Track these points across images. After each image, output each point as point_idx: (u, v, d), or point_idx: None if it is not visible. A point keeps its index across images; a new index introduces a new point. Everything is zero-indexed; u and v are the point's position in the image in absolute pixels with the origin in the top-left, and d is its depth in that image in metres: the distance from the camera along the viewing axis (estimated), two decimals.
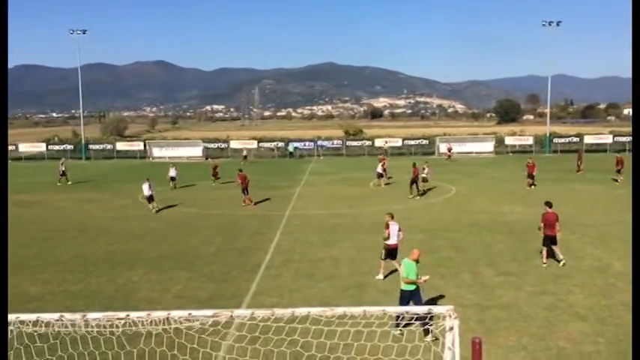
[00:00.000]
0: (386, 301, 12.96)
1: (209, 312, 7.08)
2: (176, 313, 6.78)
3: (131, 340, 7.86)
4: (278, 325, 6.79)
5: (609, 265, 17.16)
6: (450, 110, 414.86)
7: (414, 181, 31.83)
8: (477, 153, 63.79)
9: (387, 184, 36.83)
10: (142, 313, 6.46)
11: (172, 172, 38.10)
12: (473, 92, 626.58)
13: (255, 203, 29.76)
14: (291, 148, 66.74)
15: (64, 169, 40.95)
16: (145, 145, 70.01)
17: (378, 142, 68.84)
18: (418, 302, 11.65)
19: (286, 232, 22.86)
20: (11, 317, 6.35)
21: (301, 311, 6.33)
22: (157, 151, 67.32)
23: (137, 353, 8.10)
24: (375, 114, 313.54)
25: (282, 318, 6.44)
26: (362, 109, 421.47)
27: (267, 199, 31.34)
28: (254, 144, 69.78)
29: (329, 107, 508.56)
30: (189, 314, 7.87)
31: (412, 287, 11.87)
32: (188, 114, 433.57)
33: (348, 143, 70.82)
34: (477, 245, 20.04)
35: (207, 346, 7.99)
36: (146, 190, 28.17)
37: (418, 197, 31.03)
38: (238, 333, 8.87)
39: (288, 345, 7.71)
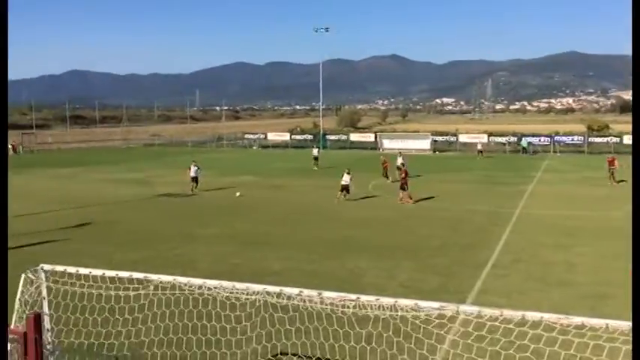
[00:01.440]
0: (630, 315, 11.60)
1: (435, 304, 7.14)
2: (403, 302, 6.97)
3: (360, 322, 8.29)
4: (506, 326, 6.54)
5: None
6: None
7: None
8: None
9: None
10: (372, 298, 6.77)
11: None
12: None
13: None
14: (524, 143, 63.26)
15: (317, 154, 46.48)
16: (375, 137, 72.73)
17: (628, 140, 61.44)
18: None
19: (515, 231, 21.80)
20: (259, 287, 7.17)
21: (533, 315, 6.02)
22: (386, 143, 69.35)
23: (365, 334, 8.54)
24: (625, 108, 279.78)
25: (512, 320, 6.20)
26: (609, 102, 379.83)
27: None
28: (484, 138, 67.63)
29: (569, 100, 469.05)
30: (416, 304, 8.03)
31: None
32: (418, 107, 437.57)
33: (591, 139, 64.61)
34: None
35: (432, 337, 8.06)
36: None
37: None
38: (463, 329, 8.76)
39: (516, 349, 7.38)
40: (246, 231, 21.99)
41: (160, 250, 18.78)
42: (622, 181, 33.11)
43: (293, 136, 79.32)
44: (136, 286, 12.02)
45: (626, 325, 5.58)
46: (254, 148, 75.41)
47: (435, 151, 64.36)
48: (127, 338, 9.59)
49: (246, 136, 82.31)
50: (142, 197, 31.35)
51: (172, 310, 11.35)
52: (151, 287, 12.26)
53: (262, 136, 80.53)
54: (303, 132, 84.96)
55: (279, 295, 7.09)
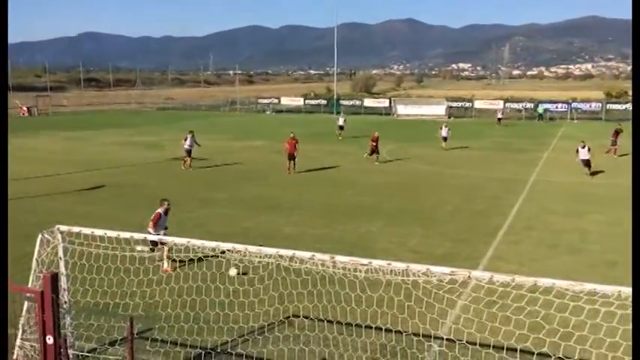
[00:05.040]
0: None
1: (447, 269, 7.15)
2: (415, 267, 6.98)
3: (372, 286, 8.36)
4: (518, 292, 6.55)
5: None
6: None
7: None
8: None
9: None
10: (383, 262, 6.80)
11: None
12: None
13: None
14: (540, 109, 62.41)
15: (343, 123, 44.54)
16: (390, 103, 72.11)
17: None
18: None
19: (529, 198, 21.70)
20: (272, 251, 7.22)
21: (545, 282, 6.01)
22: (401, 109, 68.75)
23: (377, 299, 8.61)
24: None
25: (523, 286, 6.21)
26: (629, 68, 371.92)
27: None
28: (500, 104, 66.73)
29: (588, 66, 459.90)
30: (427, 269, 8.05)
31: None
32: (433, 72, 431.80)
33: (609, 106, 63.52)
34: None
35: (443, 302, 8.12)
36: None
37: None
38: (475, 294, 8.81)
39: (527, 315, 7.42)
40: (257, 195, 22.09)
41: (173, 212, 18.94)
42: (624, 155, 32.43)
43: (307, 101, 78.88)
44: (151, 247, 12.21)
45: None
46: (267, 112, 75.15)
47: (450, 117, 63.74)
48: (141, 299, 9.76)
49: (260, 100, 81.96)
50: (154, 160, 31.52)
51: (186, 271, 11.51)
52: (165, 249, 12.47)
53: (276, 100, 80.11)
54: (317, 97, 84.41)
55: (291, 258, 7.14)
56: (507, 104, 67.49)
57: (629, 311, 6.06)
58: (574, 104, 64.86)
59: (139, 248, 11.23)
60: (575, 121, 59.25)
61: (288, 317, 9.82)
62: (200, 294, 9.62)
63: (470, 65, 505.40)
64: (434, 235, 16.52)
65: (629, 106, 62.62)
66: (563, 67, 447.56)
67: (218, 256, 9.93)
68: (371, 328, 8.40)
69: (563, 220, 18.27)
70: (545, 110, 62.53)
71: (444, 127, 37.19)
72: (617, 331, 6.44)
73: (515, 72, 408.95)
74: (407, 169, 28.65)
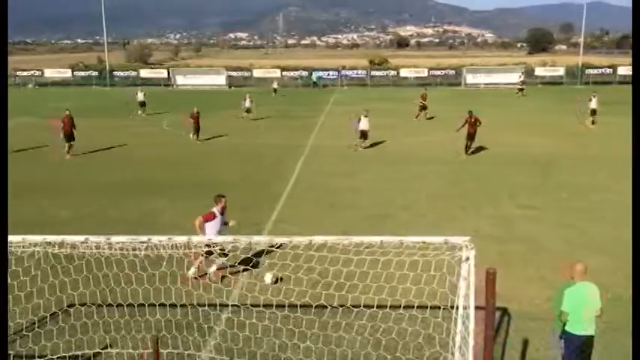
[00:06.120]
0: (404, 231, 13.05)
1: (229, 238, 7.21)
2: (196, 239, 6.92)
3: (154, 264, 8.08)
4: (296, 252, 6.88)
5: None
6: (479, 40, 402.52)
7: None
8: (505, 84, 62.21)
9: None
10: (163, 238, 6.60)
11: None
12: (503, 20, 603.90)
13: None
14: (314, 77, 65.86)
15: (144, 99, 39.57)
16: (168, 73, 69.75)
17: (404, 73, 67.58)
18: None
19: (308, 162, 22.93)
20: (38, 238, 6.54)
21: (319, 239, 6.38)
22: (180, 79, 67.06)
23: (159, 276, 8.36)
24: (402, 43, 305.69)
25: (299, 245, 6.52)
26: (388, 37, 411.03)
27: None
28: (277, 73, 68.79)
29: (354, 36, 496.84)
30: (209, 240, 8.03)
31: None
32: (212, 41, 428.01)
33: (373, 73, 69.55)
34: (500, 178, 19.89)
35: (226, 271, 8.19)
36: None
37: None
38: (256, 259, 9.07)
39: (305, 271, 7.85)
40: (26, 178, 19.86)
41: None
42: (431, 117, 35.89)
43: (76, 73, 72.56)
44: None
45: (396, 239, 6.17)
46: (29, 86, 67.47)
47: (230, 87, 64.00)
48: None
49: (19, 73, 73.04)
50: None
51: None
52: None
53: (38, 73, 72.16)
54: (87, 68, 78.02)
55: (61, 244, 6.55)
56: (284, 73, 69.92)
57: (390, 257, 6.76)
58: (343, 72, 69.65)
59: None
60: (345, 88, 63.77)
61: (62, 308, 9.05)
62: None
63: (247, 35, 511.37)
64: None
65: (390, 72, 69.41)
66: (333, 37, 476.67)
67: None
68: (154, 305, 8.15)
69: (339, 181, 19.68)
70: (319, 78, 66.19)
71: (247, 99, 36.36)
72: (381, 275, 7.17)
73: (291, 41, 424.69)
74: (187, 142, 28.11)
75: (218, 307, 8.51)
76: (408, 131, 30.48)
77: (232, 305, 8.15)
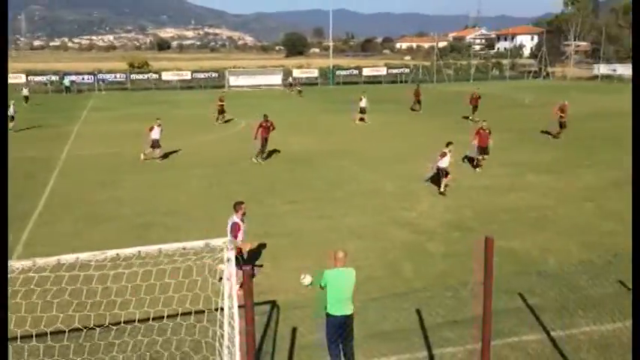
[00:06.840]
0: (172, 237, 12.76)
1: None
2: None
3: None
4: (42, 275, 6.12)
5: (382, 187, 18.95)
6: (239, 43, 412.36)
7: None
8: (266, 86, 64.76)
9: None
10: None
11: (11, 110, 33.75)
12: (261, 25, 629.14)
13: None
14: (66, 82, 60.73)
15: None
16: None
17: (167, 76, 66.16)
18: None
19: (63, 174, 21.09)
20: None
21: (68, 258, 5.83)
22: None
23: None
24: (163, 46, 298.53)
25: (46, 268, 5.88)
26: (148, 39, 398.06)
27: None
28: (22, 78, 61.59)
29: (110, 37, 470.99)
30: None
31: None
32: None
33: (133, 77, 66.69)
34: (264, 176, 20.63)
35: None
36: None
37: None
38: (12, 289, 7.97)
39: (53, 296, 7.12)
40: None
41: None
42: (229, 120, 35.10)
43: None
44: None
45: (155, 248, 5.92)
46: None
47: None
48: None
49: None
50: None
51: None
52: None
53: None
54: None
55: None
56: (31, 77, 63.16)
57: (149, 268, 6.49)
58: (100, 75, 65.48)
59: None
60: (103, 92, 60.09)
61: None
62: None
63: None
64: None
65: (151, 75, 67.09)
66: (86, 38, 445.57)
67: None
68: None
69: (99, 192, 18.44)
70: (72, 82, 61.31)
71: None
72: (141, 287, 6.87)
73: (37, 43, 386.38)
74: None
75: None
76: (175, 135, 29.85)
77: None
